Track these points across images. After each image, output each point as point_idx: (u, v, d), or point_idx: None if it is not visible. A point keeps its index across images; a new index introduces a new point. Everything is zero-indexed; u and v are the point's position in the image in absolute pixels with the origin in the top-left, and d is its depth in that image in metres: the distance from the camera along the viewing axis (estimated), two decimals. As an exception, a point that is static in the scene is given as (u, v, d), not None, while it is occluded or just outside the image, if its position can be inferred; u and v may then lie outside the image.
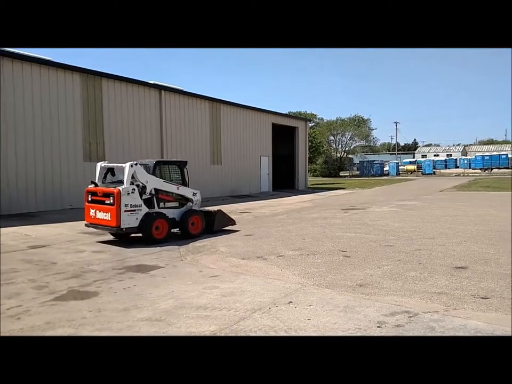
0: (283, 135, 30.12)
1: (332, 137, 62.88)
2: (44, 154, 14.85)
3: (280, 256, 7.87)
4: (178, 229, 10.14)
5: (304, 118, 40.17)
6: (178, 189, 10.09)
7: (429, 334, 4.07)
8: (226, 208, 16.43)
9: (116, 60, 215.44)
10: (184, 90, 21.47)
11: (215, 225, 10.52)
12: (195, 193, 10.43)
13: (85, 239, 10.03)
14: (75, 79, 15.85)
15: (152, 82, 19.52)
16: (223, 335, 4.17)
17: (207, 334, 4.20)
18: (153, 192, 9.61)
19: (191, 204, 10.33)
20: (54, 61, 15.38)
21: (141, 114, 18.55)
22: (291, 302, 5.18)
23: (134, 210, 9.21)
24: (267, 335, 4.14)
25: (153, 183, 9.61)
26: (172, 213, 9.91)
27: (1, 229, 10.96)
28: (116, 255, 8.11)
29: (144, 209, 9.37)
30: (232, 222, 11.11)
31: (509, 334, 4.03)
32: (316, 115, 63.47)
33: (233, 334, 4.18)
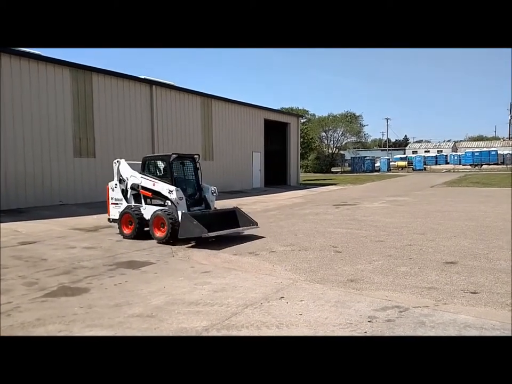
0: (275, 131, 30.13)
1: (324, 133, 63.04)
2: (34, 149, 14.71)
3: (272, 251, 7.88)
4: None
5: (296, 114, 40.22)
6: (154, 185, 9.18)
7: (428, 334, 4.10)
8: (217, 204, 16.39)
9: (106, 57, 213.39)
10: (176, 85, 21.35)
11: (179, 231, 8.47)
12: (171, 191, 8.83)
13: (75, 235, 9.96)
14: (65, 73, 15.69)
15: (143, 77, 19.38)
16: (215, 332, 4.17)
17: (199, 329, 4.20)
18: (139, 188, 9.62)
19: (169, 203, 8.96)
20: (44, 55, 15.21)
21: (131, 109, 18.43)
22: (283, 297, 5.20)
23: (117, 204, 10.00)
24: (259, 334, 4.14)
25: (133, 178, 9.68)
26: (157, 211, 9.05)
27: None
28: (107, 251, 8.07)
29: (124, 204, 9.83)
30: (203, 230, 8.15)
31: (507, 333, 4.06)
32: (307, 111, 63.57)
33: (225, 330, 4.19)
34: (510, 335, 4.02)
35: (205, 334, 4.11)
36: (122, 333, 4.15)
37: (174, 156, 9.38)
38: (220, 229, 8.71)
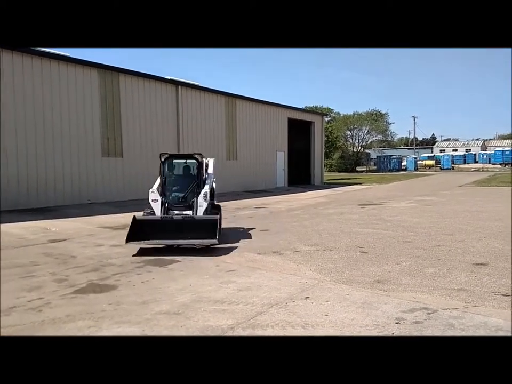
0: (299, 130, 29.98)
1: (349, 132, 62.35)
2: (63, 149, 15.09)
3: (297, 251, 7.85)
4: None
5: (320, 112, 39.96)
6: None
7: (429, 334, 4.02)
8: (241, 203, 16.48)
9: (128, 57, 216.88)
10: (200, 85, 21.53)
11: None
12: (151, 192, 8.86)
13: (103, 233, 10.16)
14: (93, 74, 16.02)
15: (168, 77, 19.61)
16: (240, 331, 4.18)
17: (225, 328, 4.22)
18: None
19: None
20: (72, 57, 15.57)
21: (157, 109, 18.68)
22: (308, 297, 5.17)
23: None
24: (284, 334, 4.14)
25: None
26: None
27: (21, 223, 11.20)
28: (134, 249, 8.19)
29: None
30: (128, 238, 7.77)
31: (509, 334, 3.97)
32: (332, 110, 63.04)
33: (250, 328, 4.20)
34: (510, 335, 3.93)
35: (230, 332, 4.13)
36: (149, 330, 4.20)
37: (166, 155, 9.03)
38: (178, 238, 8.11)
